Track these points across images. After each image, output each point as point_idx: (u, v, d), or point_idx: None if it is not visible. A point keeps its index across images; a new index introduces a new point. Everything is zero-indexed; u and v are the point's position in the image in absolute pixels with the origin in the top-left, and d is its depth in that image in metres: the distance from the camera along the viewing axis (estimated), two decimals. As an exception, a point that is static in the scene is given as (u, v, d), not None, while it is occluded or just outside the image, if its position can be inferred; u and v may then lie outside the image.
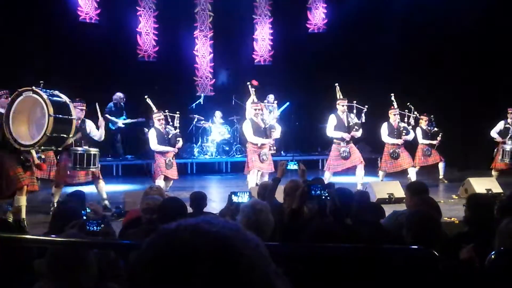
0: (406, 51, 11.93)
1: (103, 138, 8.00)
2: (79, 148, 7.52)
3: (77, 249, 2.42)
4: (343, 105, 8.66)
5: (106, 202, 7.70)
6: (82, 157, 7.42)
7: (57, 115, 5.89)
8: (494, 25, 10.95)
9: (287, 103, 12.21)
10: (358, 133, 8.74)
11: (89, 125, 7.88)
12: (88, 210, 4.19)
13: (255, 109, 8.54)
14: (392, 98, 9.34)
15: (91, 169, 7.52)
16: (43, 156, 7.84)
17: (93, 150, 7.55)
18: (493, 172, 9.60)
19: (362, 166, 8.68)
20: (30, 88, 6.02)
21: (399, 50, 11.91)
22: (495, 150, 9.74)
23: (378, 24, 12.29)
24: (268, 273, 0.78)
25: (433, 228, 3.04)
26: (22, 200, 6.26)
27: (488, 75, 11.32)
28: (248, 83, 9.35)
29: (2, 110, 6.22)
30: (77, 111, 7.66)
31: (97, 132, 7.90)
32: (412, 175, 9.27)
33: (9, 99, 6.23)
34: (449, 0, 11.35)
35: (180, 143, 8.52)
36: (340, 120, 8.65)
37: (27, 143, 6.03)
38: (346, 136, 8.57)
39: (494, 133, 9.80)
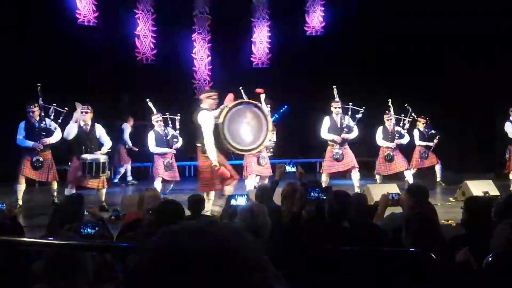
0: (404, 54, 11.95)
1: (110, 144, 8.09)
2: (88, 157, 7.52)
3: (73, 252, 2.42)
4: (335, 107, 8.71)
5: (104, 204, 7.77)
6: (91, 166, 7.44)
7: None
8: (493, 26, 10.98)
9: (285, 106, 12.19)
10: (351, 135, 8.76)
11: (99, 130, 7.89)
12: (86, 213, 4.19)
13: None
14: (390, 103, 9.37)
15: (101, 177, 7.56)
16: (41, 159, 7.86)
17: (102, 158, 7.57)
18: (511, 176, 9.23)
19: (356, 170, 8.71)
20: (255, 102, 6.90)
21: (397, 53, 11.93)
22: (507, 153, 9.31)
23: (376, 27, 12.31)
24: (268, 276, 0.79)
25: (432, 230, 3.05)
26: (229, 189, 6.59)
27: (487, 76, 11.34)
28: (240, 87, 9.37)
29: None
30: (81, 114, 7.74)
31: (106, 137, 7.95)
32: (409, 178, 9.28)
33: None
34: (448, 1, 11.37)
35: (178, 144, 8.56)
36: (334, 123, 8.71)
37: (240, 147, 6.75)
38: (337, 138, 8.62)
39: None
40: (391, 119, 9.31)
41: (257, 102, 6.91)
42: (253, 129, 6.78)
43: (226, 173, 6.45)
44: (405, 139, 9.47)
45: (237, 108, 6.62)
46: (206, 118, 6.37)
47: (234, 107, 6.59)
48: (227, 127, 6.48)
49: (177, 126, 8.68)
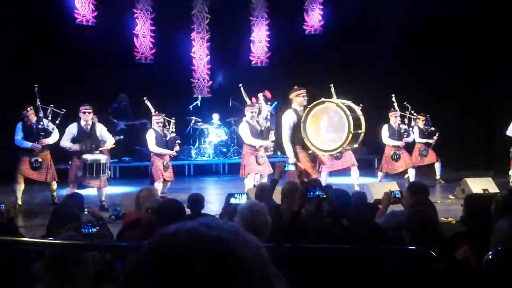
0: (403, 52, 11.95)
1: (113, 141, 8.11)
2: (89, 158, 7.54)
3: (73, 251, 2.41)
4: None
5: (104, 203, 7.78)
6: (92, 167, 7.47)
7: (355, 131, 6.55)
8: (492, 25, 10.97)
9: (275, 102, 12.12)
10: None
11: (100, 129, 7.90)
12: (86, 212, 4.19)
13: (251, 112, 8.59)
14: (393, 99, 9.34)
15: (101, 177, 7.60)
16: (39, 159, 7.86)
17: (103, 159, 7.60)
18: (511, 172, 9.06)
19: (355, 168, 8.70)
20: (337, 102, 6.73)
21: (396, 51, 11.93)
22: None
23: (375, 25, 12.30)
24: (268, 275, 0.78)
25: (432, 228, 3.05)
26: None
27: (486, 75, 11.34)
28: (239, 84, 9.38)
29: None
30: (80, 115, 7.74)
31: (108, 135, 7.97)
32: (412, 176, 9.27)
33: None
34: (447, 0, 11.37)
35: (178, 147, 8.60)
36: None
37: (321, 147, 6.65)
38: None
39: (510, 132, 9.02)
40: (397, 116, 9.25)
41: (338, 102, 6.81)
42: (334, 128, 6.74)
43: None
44: (411, 137, 9.44)
45: (319, 107, 6.64)
46: (286, 117, 6.65)
47: (316, 106, 6.63)
48: (309, 126, 6.54)
49: (172, 129, 8.67)
